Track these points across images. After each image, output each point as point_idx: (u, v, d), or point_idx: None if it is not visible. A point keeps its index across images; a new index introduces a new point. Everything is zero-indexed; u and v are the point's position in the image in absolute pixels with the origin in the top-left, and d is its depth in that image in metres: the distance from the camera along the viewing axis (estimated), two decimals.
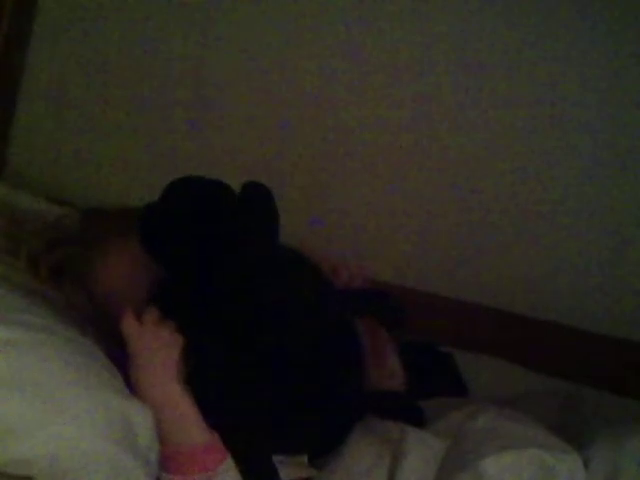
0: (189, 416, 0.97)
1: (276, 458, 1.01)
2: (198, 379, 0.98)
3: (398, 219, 1.61)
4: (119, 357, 1.00)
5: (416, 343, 1.19)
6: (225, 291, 0.99)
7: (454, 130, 1.59)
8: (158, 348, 0.98)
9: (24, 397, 0.86)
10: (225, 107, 1.63)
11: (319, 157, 1.62)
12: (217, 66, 1.63)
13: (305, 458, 1.03)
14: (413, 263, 1.61)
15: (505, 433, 0.97)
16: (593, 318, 1.45)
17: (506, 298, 1.54)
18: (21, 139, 1.73)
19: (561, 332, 1.38)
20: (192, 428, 0.96)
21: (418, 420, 1.04)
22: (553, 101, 1.55)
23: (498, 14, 1.54)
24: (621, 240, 1.54)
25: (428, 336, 1.29)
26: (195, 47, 1.62)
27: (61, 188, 1.62)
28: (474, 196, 1.59)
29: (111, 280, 1.08)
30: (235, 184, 1.59)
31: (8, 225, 1.24)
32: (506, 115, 1.57)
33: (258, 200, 1.05)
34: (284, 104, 1.62)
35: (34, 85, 1.71)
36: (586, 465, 0.92)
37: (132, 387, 0.98)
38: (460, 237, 1.60)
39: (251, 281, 1.00)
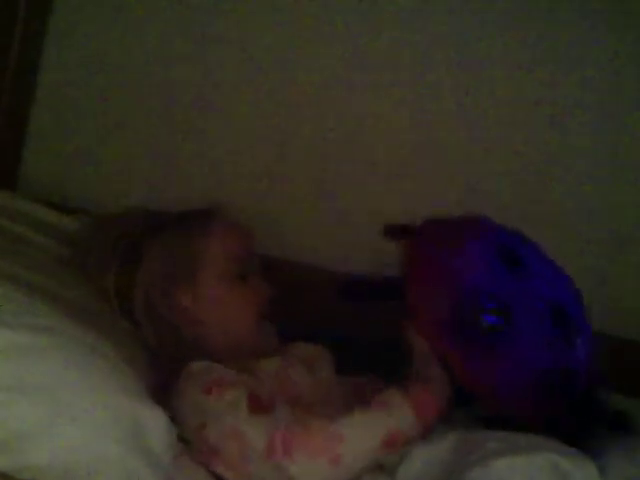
0: None
1: None
2: None
3: (399, 218, 1.61)
4: None
5: None
6: None
7: (454, 130, 1.58)
8: None
9: (31, 402, 0.85)
10: (225, 107, 1.62)
11: (319, 157, 1.61)
12: (217, 66, 1.62)
13: None
14: None
15: (515, 438, 0.96)
16: (595, 318, 1.45)
17: None
18: (35, 143, 1.68)
19: None
20: None
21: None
22: (553, 101, 1.55)
23: (498, 14, 1.54)
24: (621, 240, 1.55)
25: None
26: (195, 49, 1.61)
27: (71, 192, 1.61)
28: (474, 196, 1.59)
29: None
30: (235, 184, 1.62)
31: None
32: (506, 115, 1.57)
33: None
34: (284, 104, 1.61)
35: (48, 87, 1.67)
36: (600, 473, 0.90)
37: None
38: None
39: None
